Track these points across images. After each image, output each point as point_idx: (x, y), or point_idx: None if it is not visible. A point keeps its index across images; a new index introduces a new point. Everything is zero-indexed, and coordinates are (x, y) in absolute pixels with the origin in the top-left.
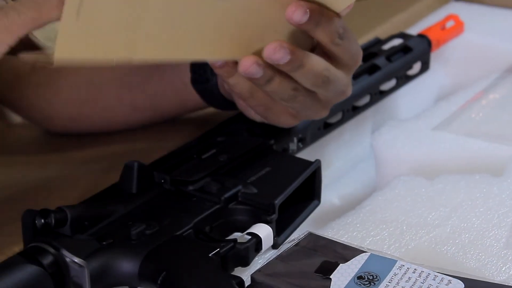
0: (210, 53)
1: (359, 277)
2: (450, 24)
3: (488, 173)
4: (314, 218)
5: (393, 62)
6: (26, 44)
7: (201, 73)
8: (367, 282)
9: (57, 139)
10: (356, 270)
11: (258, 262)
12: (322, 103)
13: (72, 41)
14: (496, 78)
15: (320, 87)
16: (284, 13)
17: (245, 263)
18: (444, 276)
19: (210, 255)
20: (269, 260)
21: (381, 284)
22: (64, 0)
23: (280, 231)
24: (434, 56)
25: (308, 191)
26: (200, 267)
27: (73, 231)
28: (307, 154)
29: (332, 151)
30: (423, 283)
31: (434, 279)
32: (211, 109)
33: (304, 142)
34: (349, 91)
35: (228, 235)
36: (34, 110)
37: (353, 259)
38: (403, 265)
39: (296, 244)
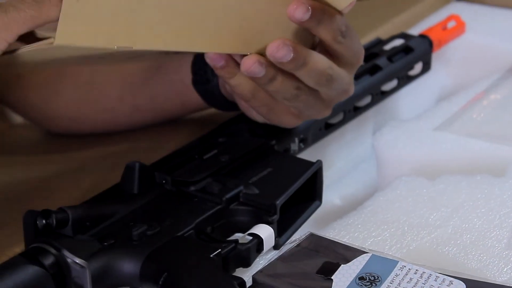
0: (210, 44)
1: (361, 278)
2: (451, 24)
3: (490, 174)
4: (315, 219)
5: (395, 63)
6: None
7: (202, 74)
8: (369, 283)
9: (58, 140)
10: (357, 271)
11: (260, 262)
12: (325, 102)
13: (73, 27)
14: (497, 78)
15: (323, 86)
16: (286, 10)
17: (247, 263)
18: (445, 277)
19: (211, 255)
20: (270, 261)
21: (383, 285)
22: None
23: (282, 232)
24: (436, 57)
25: (310, 191)
26: (202, 267)
27: (75, 232)
28: (308, 154)
29: (333, 152)
30: (424, 284)
31: (435, 280)
32: (212, 110)
33: (306, 142)
34: (352, 90)
35: (229, 236)
36: (35, 110)
37: (355, 259)
38: (405, 266)
39: (298, 245)
